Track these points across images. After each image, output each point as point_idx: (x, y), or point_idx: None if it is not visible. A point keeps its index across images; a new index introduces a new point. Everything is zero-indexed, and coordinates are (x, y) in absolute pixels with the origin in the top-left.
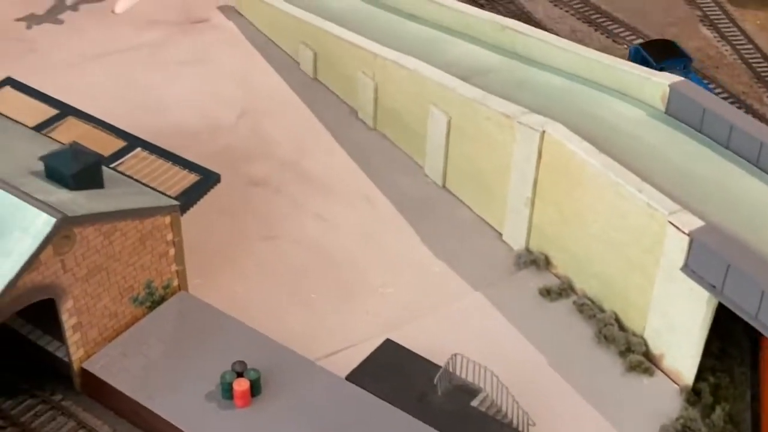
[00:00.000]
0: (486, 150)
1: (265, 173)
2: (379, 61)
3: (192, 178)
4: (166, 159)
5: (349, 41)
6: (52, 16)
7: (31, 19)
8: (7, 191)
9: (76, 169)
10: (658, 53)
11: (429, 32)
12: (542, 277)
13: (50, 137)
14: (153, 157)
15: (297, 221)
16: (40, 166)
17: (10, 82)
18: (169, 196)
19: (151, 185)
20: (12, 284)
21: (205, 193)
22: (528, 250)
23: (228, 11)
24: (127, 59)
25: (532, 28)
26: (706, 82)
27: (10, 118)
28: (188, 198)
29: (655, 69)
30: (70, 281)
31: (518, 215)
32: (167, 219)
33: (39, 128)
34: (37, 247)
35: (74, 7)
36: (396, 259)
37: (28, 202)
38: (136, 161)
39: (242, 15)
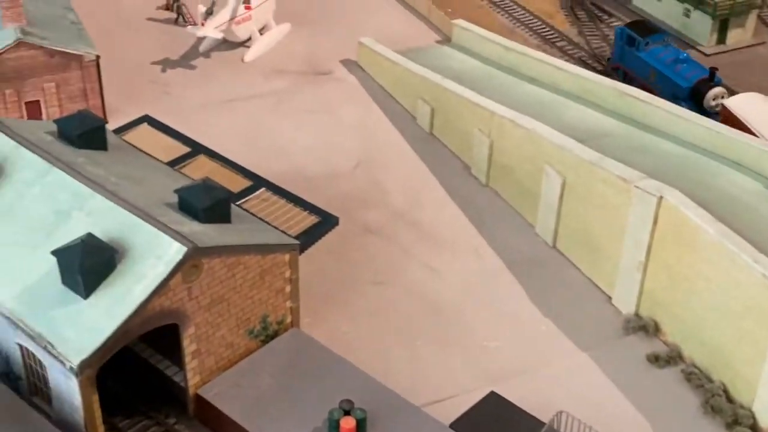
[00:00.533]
0: (600, 212)
1: (379, 221)
2: (496, 119)
3: (312, 219)
4: (288, 200)
5: (467, 98)
6: (185, 61)
7: (167, 64)
8: (144, 220)
9: (207, 204)
10: (641, 31)
11: (547, 95)
12: (651, 343)
13: (182, 173)
14: (276, 197)
15: (407, 269)
16: (175, 199)
17: (147, 119)
18: (290, 235)
19: (273, 224)
20: (143, 306)
21: (323, 235)
22: (637, 315)
23: (350, 65)
24: (255, 105)
25: (653, 96)
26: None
27: (147, 153)
28: (307, 238)
29: (642, 43)
30: (194, 309)
31: (629, 279)
32: (286, 257)
33: (172, 164)
34: (168, 273)
35: (207, 55)
36: (502, 314)
37: (163, 231)
38: (260, 200)
39: (363, 69)
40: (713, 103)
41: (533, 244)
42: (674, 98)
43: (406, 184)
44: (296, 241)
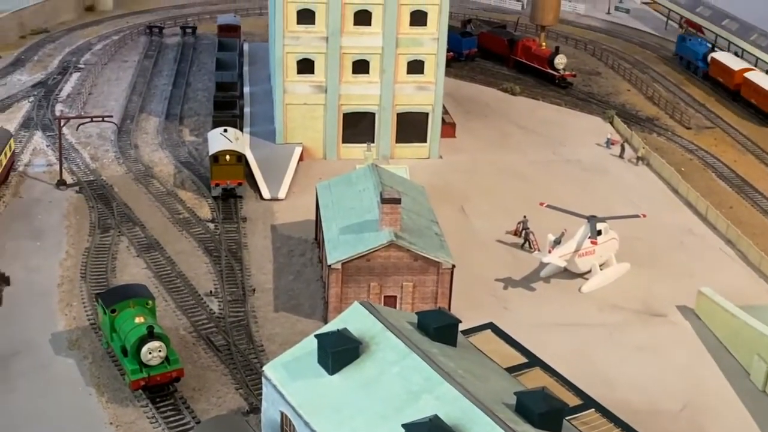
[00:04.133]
0: None
1: None
2: None
3: None
4: (616, 425)
5: None
6: (526, 282)
7: (509, 282)
8: (485, 413)
9: (543, 410)
10: (689, 35)
11: None
12: None
13: (518, 380)
14: (603, 420)
15: None
16: (512, 400)
17: (491, 327)
18: None
19: None
20: None
21: None
22: None
23: (685, 311)
24: (587, 333)
25: None
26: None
27: (488, 356)
28: None
29: (687, 39)
30: None
31: None
32: None
33: (509, 370)
34: None
35: (546, 280)
36: None
37: (501, 426)
38: (586, 421)
39: (699, 318)
40: (708, 59)
41: None
42: (696, 60)
43: None
44: None
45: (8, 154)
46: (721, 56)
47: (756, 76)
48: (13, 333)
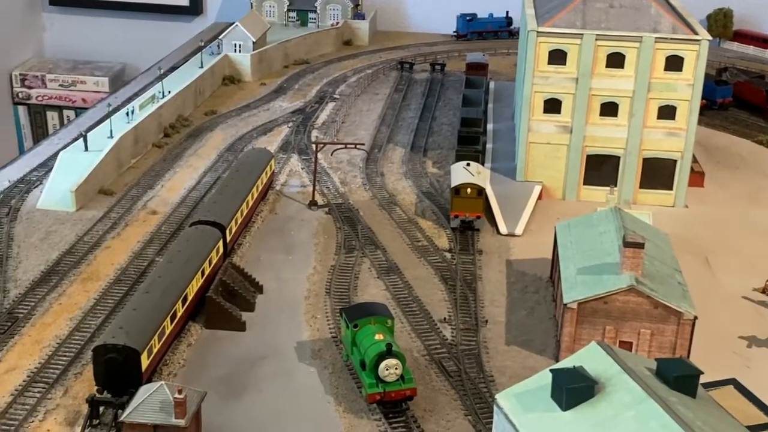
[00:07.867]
0: None
1: None
2: None
3: None
4: None
5: None
6: (765, 343)
7: (753, 341)
8: None
9: None
10: None
11: None
12: None
13: None
14: None
15: None
16: None
17: (733, 383)
18: None
19: None
20: None
21: None
22: None
23: None
24: None
25: None
26: None
27: (728, 412)
28: None
29: None
30: None
31: None
32: None
33: (751, 428)
34: None
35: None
36: None
37: None
38: None
39: None
40: None
41: None
42: None
43: None
44: None
45: (268, 173)
46: None
47: None
48: (263, 338)
